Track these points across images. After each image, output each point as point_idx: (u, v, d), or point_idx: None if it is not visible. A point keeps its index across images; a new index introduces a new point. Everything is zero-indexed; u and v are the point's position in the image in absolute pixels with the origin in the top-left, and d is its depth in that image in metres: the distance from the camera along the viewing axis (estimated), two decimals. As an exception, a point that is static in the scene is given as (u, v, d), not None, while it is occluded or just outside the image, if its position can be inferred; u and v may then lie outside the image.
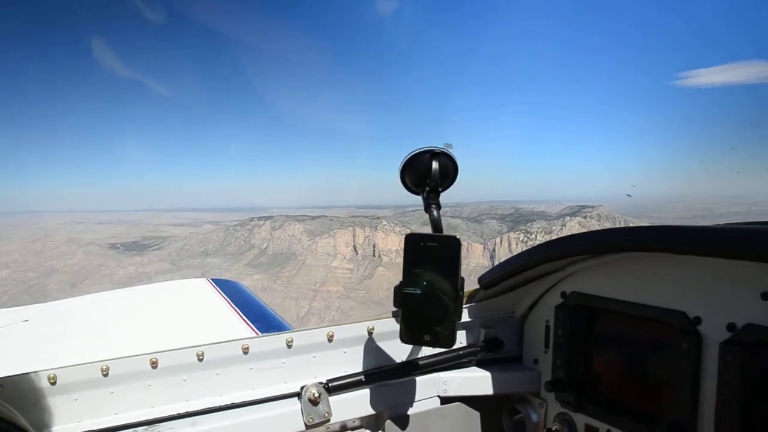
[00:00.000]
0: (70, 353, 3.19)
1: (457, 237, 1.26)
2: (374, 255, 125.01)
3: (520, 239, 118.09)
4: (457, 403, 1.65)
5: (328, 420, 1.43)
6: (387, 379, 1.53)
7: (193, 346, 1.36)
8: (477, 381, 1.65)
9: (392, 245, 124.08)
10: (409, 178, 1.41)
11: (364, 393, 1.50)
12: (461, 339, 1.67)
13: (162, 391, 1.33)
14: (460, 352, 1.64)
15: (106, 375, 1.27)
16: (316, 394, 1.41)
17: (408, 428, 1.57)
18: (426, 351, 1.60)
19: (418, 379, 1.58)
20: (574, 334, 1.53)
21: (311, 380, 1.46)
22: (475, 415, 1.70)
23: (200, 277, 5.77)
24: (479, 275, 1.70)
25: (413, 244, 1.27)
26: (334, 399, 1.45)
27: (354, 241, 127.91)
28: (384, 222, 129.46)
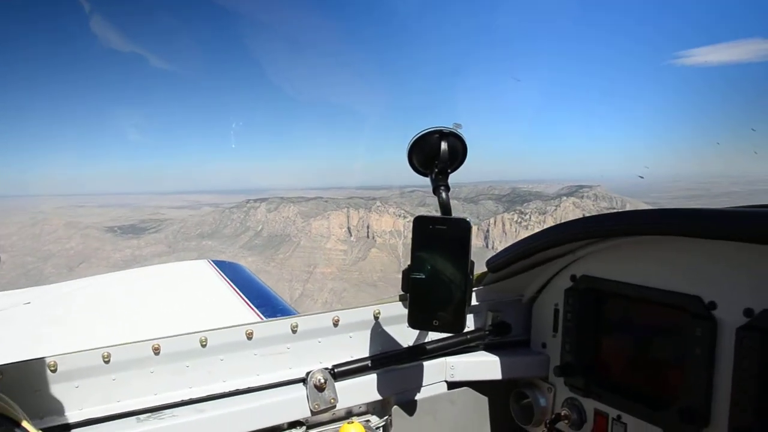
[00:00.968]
0: (71, 337, 3.19)
1: (468, 219, 1.23)
2: (368, 236, 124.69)
3: (514, 219, 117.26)
4: (465, 387, 1.64)
5: (334, 406, 1.42)
6: (393, 364, 1.52)
7: (196, 332, 1.34)
8: (484, 365, 1.63)
9: (386, 226, 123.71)
10: (416, 159, 1.37)
11: (371, 378, 1.48)
12: (468, 323, 1.64)
13: (165, 378, 1.31)
14: (468, 337, 1.61)
15: (107, 362, 1.25)
16: (322, 380, 1.40)
17: (415, 413, 1.56)
18: (433, 335, 1.59)
19: (425, 363, 1.57)
20: (583, 318, 1.51)
21: (317, 366, 1.45)
22: (482, 400, 1.68)
23: (196, 259, 5.70)
24: (484, 258, 1.68)
25: (422, 226, 1.24)
26: (339, 385, 1.44)
27: (348, 222, 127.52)
28: (378, 203, 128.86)
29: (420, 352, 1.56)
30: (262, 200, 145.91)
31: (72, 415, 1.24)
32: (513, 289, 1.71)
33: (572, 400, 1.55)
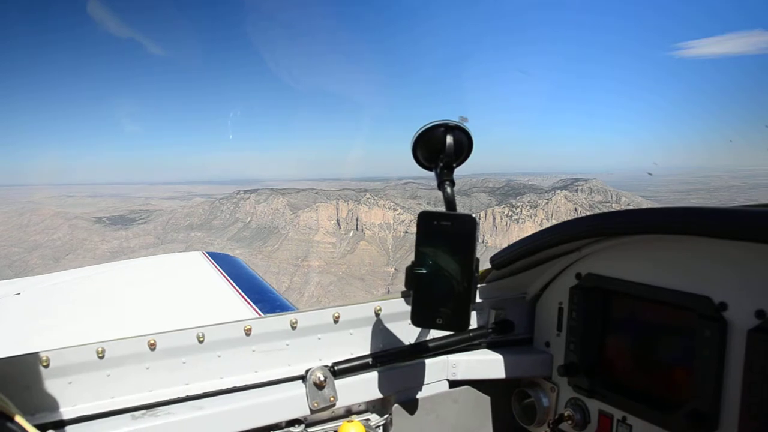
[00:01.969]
0: (64, 331, 3.11)
1: (473, 215, 1.21)
2: (357, 229, 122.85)
3: (505, 213, 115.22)
4: (467, 386, 1.62)
5: (334, 404, 1.40)
6: (394, 362, 1.50)
7: (192, 327, 1.31)
8: (486, 364, 1.61)
9: (375, 219, 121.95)
10: (421, 153, 1.35)
11: (371, 376, 1.46)
12: (471, 321, 1.55)
13: (160, 374, 1.29)
14: (470, 335, 1.60)
15: (101, 357, 1.22)
16: (322, 378, 1.38)
17: (416, 412, 1.54)
18: (434, 333, 1.57)
19: (427, 361, 1.55)
20: (589, 317, 1.49)
21: (316, 363, 1.43)
22: (485, 399, 1.66)
23: (184, 251, 5.13)
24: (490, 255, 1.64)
25: (426, 222, 1.21)
26: (339, 382, 1.41)
27: (337, 214, 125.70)
28: (368, 195, 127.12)
29: (421, 350, 1.53)
30: (252, 191, 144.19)
31: (65, 412, 1.20)
32: (516, 286, 1.68)
33: (576, 401, 1.53)
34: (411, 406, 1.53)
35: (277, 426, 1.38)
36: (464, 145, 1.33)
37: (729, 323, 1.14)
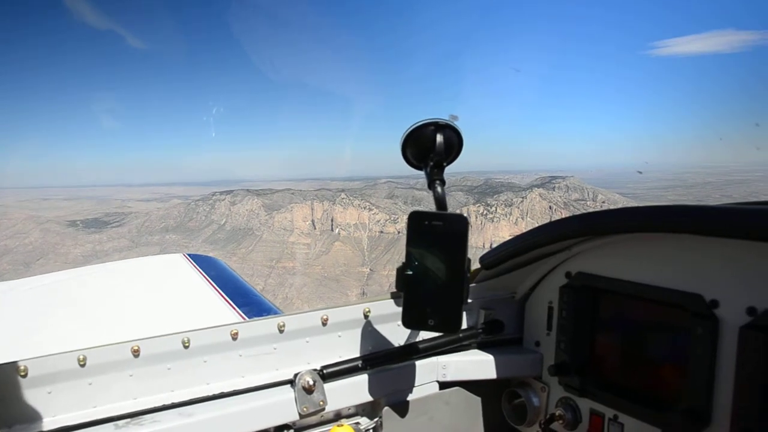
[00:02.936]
0: (42, 338, 3.03)
1: (465, 215, 1.20)
2: (332, 230, 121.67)
3: (480, 212, 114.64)
4: (457, 387, 1.60)
5: (323, 409, 1.37)
6: (384, 364, 1.48)
7: (178, 333, 1.28)
8: (476, 365, 1.60)
9: (350, 219, 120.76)
10: (411, 152, 1.34)
11: (361, 379, 1.44)
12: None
13: (145, 381, 1.25)
14: (460, 335, 1.59)
15: (83, 365, 1.18)
16: (311, 382, 1.35)
17: (407, 415, 1.52)
18: (424, 334, 1.56)
19: (417, 363, 1.53)
20: (579, 315, 1.48)
21: (305, 367, 1.41)
22: (475, 400, 1.65)
23: (159, 254, 4.74)
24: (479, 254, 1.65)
25: (417, 222, 1.20)
26: (329, 386, 1.39)
27: (312, 215, 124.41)
28: (343, 195, 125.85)
29: (411, 352, 1.52)
30: (228, 192, 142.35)
31: (45, 423, 1.16)
32: (506, 286, 1.67)
33: (567, 400, 1.52)
34: (401, 408, 1.51)
35: (266, 431, 1.34)
36: (454, 143, 1.32)
37: (720, 321, 1.14)
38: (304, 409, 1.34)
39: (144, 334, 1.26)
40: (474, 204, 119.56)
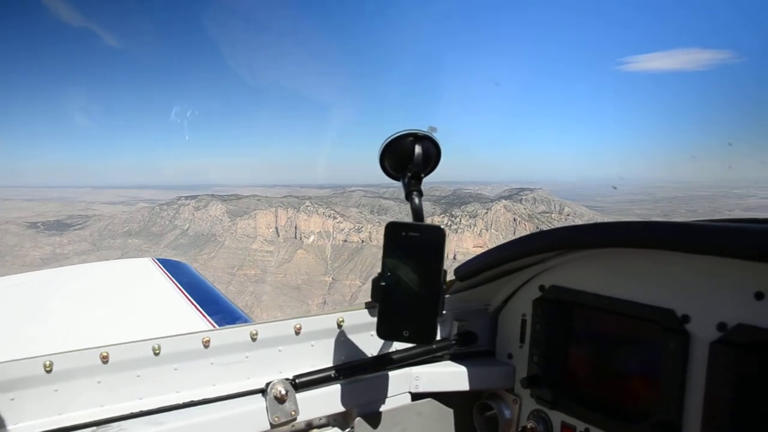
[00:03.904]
0: (5, 342, 2.96)
1: (442, 227, 1.20)
2: (296, 237, 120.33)
3: (445, 222, 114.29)
4: (429, 399, 1.60)
5: (295, 419, 1.36)
6: (357, 375, 1.47)
7: (148, 339, 1.25)
8: (449, 376, 1.60)
9: (314, 227, 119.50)
10: (389, 163, 1.34)
11: (333, 389, 1.43)
12: None
13: (113, 389, 1.22)
14: (434, 346, 1.59)
15: (49, 371, 1.15)
16: (283, 391, 1.33)
17: (379, 425, 1.51)
18: (397, 345, 1.55)
19: (390, 374, 1.52)
20: (552, 329, 1.49)
21: (277, 376, 1.39)
22: (447, 412, 1.64)
23: (120, 258, 4.79)
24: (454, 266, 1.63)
25: (394, 233, 1.20)
26: (301, 396, 1.37)
27: (276, 222, 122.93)
28: (307, 203, 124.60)
29: (384, 362, 1.51)
30: (193, 197, 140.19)
31: (8, 431, 1.13)
32: (480, 298, 1.68)
33: (539, 412, 1.53)
34: (373, 419, 1.50)
35: None
36: (432, 155, 1.33)
37: (691, 336, 1.15)
38: (276, 418, 1.32)
39: (112, 340, 1.23)
40: (440, 215, 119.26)
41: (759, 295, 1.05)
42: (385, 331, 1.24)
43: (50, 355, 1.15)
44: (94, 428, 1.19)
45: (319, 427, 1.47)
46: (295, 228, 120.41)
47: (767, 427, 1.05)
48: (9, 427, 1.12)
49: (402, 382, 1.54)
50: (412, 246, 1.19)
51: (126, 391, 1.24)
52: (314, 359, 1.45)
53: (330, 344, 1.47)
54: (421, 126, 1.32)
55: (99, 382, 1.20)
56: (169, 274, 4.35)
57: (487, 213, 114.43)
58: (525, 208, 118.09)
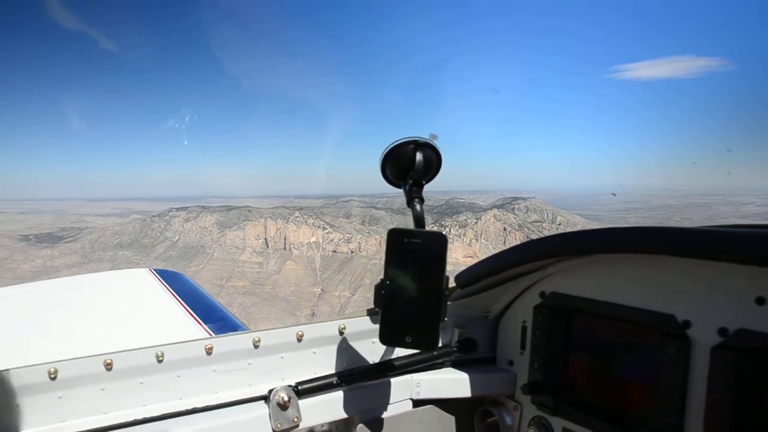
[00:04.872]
0: (9, 352, 2.97)
1: (444, 233, 1.21)
2: (285, 248, 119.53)
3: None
4: (430, 406, 1.60)
5: (297, 425, 1.36)
6: (358, 381, 1.48)
7: (151, 347, 1.26)
8: (450, 383, 1.61)
9: (303, 238, 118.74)
10: (390, 170, 1.35)
11: (335, 396, 1.44)
12: None
13: (116, 396, 1.24)
14: (435, 353, 1.60)
15: (53, 378, 1.16)
16: (285, 398, 1.34)
17: None
18: (399, 352, 1.56)
19: (391, 381, 1.53)
20: (553, 335, 1.49)
21: (279, 383, 1.40)
22: (448, 419, 1.65)
23: (111, 270, 5.45)
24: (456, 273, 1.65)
25: (396, 240, 1.21)
26: (303, 403, 1.38)
27: (266, 233, 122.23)
28: (297, 214, 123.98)
29: (386, 369, 1.52)
30: (183, 209, 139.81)
31: None
32: (480, 305, 1.69)
33: (539, 419, 1.53)
34: (375, 426, 1.50)
35: None
36: (433, 162, 1.33)
37: (693, 341, 1.16)
38: (278, 425, 1.32)
39: (113, 349, 1.24)
40: (431, 224, 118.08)
41: (760, 300, 1.05)
42: (388, 338, 1.25)
43: (54, 362, 1.16)
44: None
45: None
46: (285, 239, 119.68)
47: None
48: None
49: (403, 389, 1.55)
50: (413, 253, 1.19)
51: (129, 399, 1.24)
52: (316, 366, 1.46)
53: (332, 351, 1.48)
54: (421, 133, 1.32)
55: (103, 390, 1.21)
56: (166, 284, 4.32)
57: (477, 223, 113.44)
58: (516, 218, 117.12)
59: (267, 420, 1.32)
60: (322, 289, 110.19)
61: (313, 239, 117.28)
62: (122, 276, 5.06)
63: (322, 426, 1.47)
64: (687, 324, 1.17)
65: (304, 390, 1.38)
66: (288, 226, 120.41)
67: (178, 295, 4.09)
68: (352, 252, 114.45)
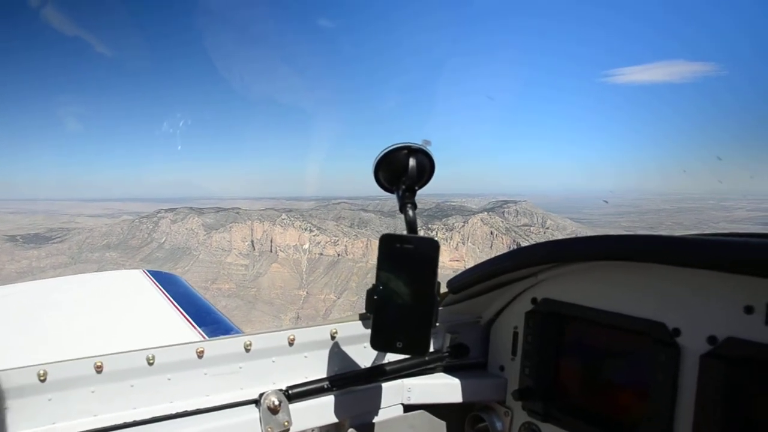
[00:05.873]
0: None
1: (436, 239, 1.22)
2: (271, 251, 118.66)
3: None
4: (421, 411, 1.60)
5: (288, 429, 1.36)
6: (349, 386, 1.48)
7: (142, 349, 1.25)
8: (441, 388, 1.61)
9: (290, 240, 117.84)
10: (383, 176, 1.36)
11: (327, 400, 1.44)
12: None
13: (107, 398, 1.23)
14: (426, 358, 1.60)
15: (43, 380, 1.15)
16: (276, 402, 1.34)
17: None
18: (390, 357, 1.56)
19: (382, 385, 1.54)
20: (544, 341, 1.50)
21: (270, 387, 1.40)
22: (439, 424, 1.65)
23: (97, 271, 4.55)
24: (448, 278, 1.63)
25: (388, 245, 1.21)
26: (294, 407, 1.38)
27: (252, 235, 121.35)
28: (283, 216, 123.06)
29: (377, 374, 1.52)
30: (171, 210, 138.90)
31: None
32: (472, 310, 1.69)
33: (530, 425, 1.54)
34: (366, 430, 1.50)
35: None
36: (426, 168, 1.34)
37: (682, 349, 1.17)
38: (269, 429, 1.32)
39: (105, 351, 1.23)
40: (419, 227, 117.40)
41: (749, 309, 1.06)
42: (379, 343, 1.25)
43: (44, 364, 1.15)
44: None
45: None
46: (271, 241, 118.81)
47: None
48: None
49: (394, 394, 1.55)
50: (406, 258, 1.20)
51: (120, 401, 1.23)
52: (307, 370, 1.46)
53: (323, 355, 1.48)
54: (414, 138, 1.33)
55: (93, 392, 1.20)
56: (159, 286, 4.25)
57: (464, 226, 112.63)
58: (504, 221, 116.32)
59: (258, 424, 1.32)
60: (307, 292, 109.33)
61: (300, 243, 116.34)
62: (116, 277, 4.94)
63: (313, 430, 1.46)
64: (677, 332, 1.18)
65: (295, 394, 1.38)
66: (274, 228, 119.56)
67: (171, 297, 4.01)
68: (338, 255, 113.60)
